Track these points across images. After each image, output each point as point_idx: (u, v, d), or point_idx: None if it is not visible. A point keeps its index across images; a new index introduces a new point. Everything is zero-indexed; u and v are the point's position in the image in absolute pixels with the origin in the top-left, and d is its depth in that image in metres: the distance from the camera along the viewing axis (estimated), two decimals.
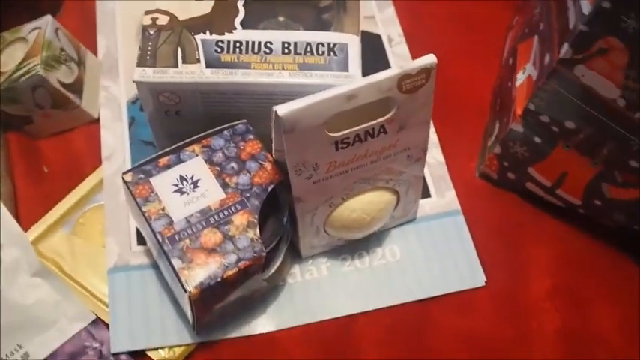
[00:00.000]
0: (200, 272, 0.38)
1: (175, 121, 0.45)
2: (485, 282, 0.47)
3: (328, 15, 0.45)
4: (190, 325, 0.44)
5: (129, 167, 0.49)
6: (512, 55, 0.51)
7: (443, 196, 0.51)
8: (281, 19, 0.44)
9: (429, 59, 0.36)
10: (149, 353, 0.44)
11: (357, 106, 0.36)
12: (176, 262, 0.38)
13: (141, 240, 0.47)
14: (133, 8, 0.58)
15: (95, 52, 0.55)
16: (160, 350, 0.44)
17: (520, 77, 0.47)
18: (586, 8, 0.36)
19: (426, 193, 0.51)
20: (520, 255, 0.48)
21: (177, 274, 0.38)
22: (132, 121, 0.52)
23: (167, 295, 0.45)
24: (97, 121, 0.52)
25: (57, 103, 0.49)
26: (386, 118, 0.37)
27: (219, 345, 0.44)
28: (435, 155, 0.53)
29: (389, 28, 0.59)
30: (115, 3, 0.58)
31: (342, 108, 0.35)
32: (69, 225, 0.47)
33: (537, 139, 0.45)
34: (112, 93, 0.54)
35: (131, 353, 0.43)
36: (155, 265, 0.46)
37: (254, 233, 0.39)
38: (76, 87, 0.50)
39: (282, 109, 0.34)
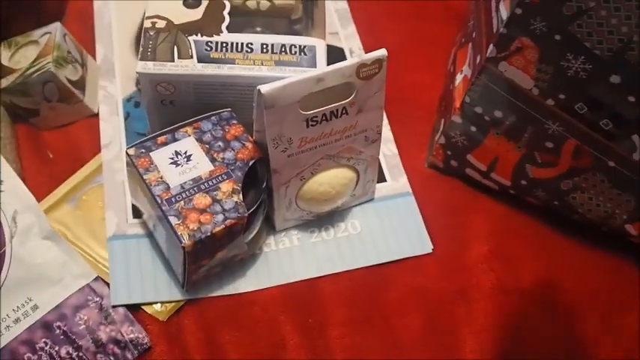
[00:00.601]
0: (193, 227, 0.45)
1: (169, 110, 0.53)
2: (432, 249, 0.55)
3: (299, 26, 0.54)
4: (180, 285, 0.51)
5: (125, 155, 0.57)
6: (453, 62, 0.61)
7: (397, 181, 0.59)
8: (258, 29, 0.53)
9: (381, 52, 0.45)
10: (144, 308, 0.50)
11: (325, 89, 0.44)
12: (173, 220, 0.45)
13: (136, 214, 0.54)
14: (126, 22, 0.66)
15: (94, 57, 0.63)
16: (153, 305, 0.50)
17: (458, 78, 0.57)
18: (504, 15, 0.46)
19: (382, 179, 0.59)
20: (461, 227, 0.57)
21: (173, 230, 0.45)
22: (127, 116, 0.60)
23: (159, 260, 0.52)
24: (97, 115, 0.59)
25: (63, 97, 0.56)
26: (347, 101, 0.46)
27: (205, 302, 0.51)
28: (390, 148, 0.62)
29: (350, 42, 0.68)
30: (111, 17, 0.66)
31: (313, 89, 0.43)
32: (73, 201, 0.54)
33: (473, 128, 0.55)
34: (109, 92, 0.61)
35: (127, 307, 0.50)
36: (149, 236, 0.53)
37: (238, 198, 0.47)
38: (80, 84, 0.58)
39: (264, 88, 0.42)
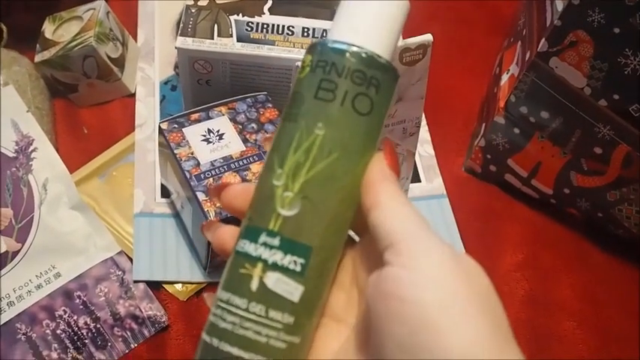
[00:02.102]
0: (220, 205, 0.44)
1: (205, 91, 0.52)
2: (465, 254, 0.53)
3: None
4: (202, 267, 0.50)
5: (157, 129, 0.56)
6: (499, 64, 0.59)
7: (431, 182, 0.57)
8: (300, 16, 0.52)
9: (426, 37, 0.43)
10: (165, 286, 0.49)
11: None
12: (200, 195, 0.44)
13: (164, 194, 0.53)
14: (169, 9, 0.66)
15: (135, 40, 0.63)
16: (174, 285, 0.49)
17: (504, 78, 0.55)
18: (560, 6, 0.44)
19: (416, 179, 0.57)
20: (496, 234, 0.55)
21: (200, 206, 0.44)
22: (162, 99, 0.59)
23: (184, 241, 0.51)
24: (133, 95, 0.59)
25: (102, 73, 0.56)
26: None
27: None
28: (426, 149, 0.60)
29: None
30: (155, 2, 0.67)
31: None
32: (103, 176, 0.54)
33: (516, 130, 0.52)
34: (147, 74, 0.61)
35: (148, 284, 0.49)
36: (175, 216, 0.52)
37: None
38: (119, 62, 0.58)
39: None
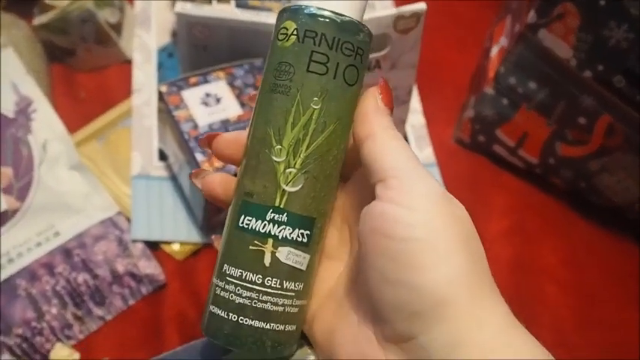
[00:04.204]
0: (218, 165, 0.45)
1: (202, 56, 0.53)
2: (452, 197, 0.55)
3: None
4: (198, 227, 0.51)
5: (155, 101, 0.57)
6: (490, 39, 0.60)
7: (422, 151, 0.59)
8: None
9: (420, 5, 0.44)
10: (163, 247, 0.51)
11: None
12: (198, 156, 0.46)
13: (161, 158, 0.54)
14: None
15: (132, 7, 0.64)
16: (172, 245, 0.51)
17: (494, 50, 0.56)
18: None
19: None
20: (483, 201, 0.57)
21: (198, 166, 0.45)
22: (160, 66, 0.60)
23: (181, 204, 0.52)
24: (129, 62, 0.60)
25: (100, 38, 0.57)
26: (381, 53, 0.46)
27: None
28: (417, 119, 0.61)
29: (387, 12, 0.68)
30: None
31: None
32: (102, 139, 0.55)
33: (505, 101, 0.54)
34: (144, 41, 0.62)
35: (146, 245, 0.50)
36: (172, 179, 0.54)
37: None
38: (117, 28, 0.59)
39: None
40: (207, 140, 0.30)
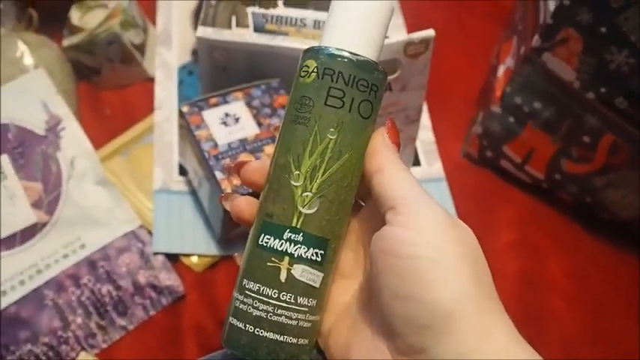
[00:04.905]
0: (236, 183, 0.48)
1: (221, 76, 0.55)
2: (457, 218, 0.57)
3: None
4: (216, 241, 0.54)
5: (176, 117, 0.60)
6: (497, 56, 0.62)
7: (431, 166, 0.61)
8: (311, 9, 0.55)
9: (429, 32, 0.47)
10: (182, 259, 0.53)
11: None
12: (218, 174, 0.48)
13: (182, 173, 0.57)
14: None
15: (154, 26, 0.66)
16: (190, 257, 0.53)
17: (501, 69, 0.58)
18: (552, 5, 0.47)
19: (416, 163, 0.61)
20: (490, 215, 0.58)
21: (218, 184, 0.48)
22: (180, 83, 0.63)
23: (200, 217, 0.55)
24: (152, 80, 0.63)
25: (124, 58, 0.60)
26: (393, 76, 0.48)
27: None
28: (427, 135, 0.63)
29: (398, 33, 0.70)
30: None
31: None
32: (125, 154, 0.58)
33: (511, 119, 0.56)
34: (166, 59, 0.64)
35: (167, 256, 0.53)
36: (192, 193, 0.56)
37: None
38: (141, 48, 0.61)
39: None
40: (236, 168, 0.33)
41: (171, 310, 0.51)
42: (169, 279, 0.52)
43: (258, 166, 0.32)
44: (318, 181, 0.29)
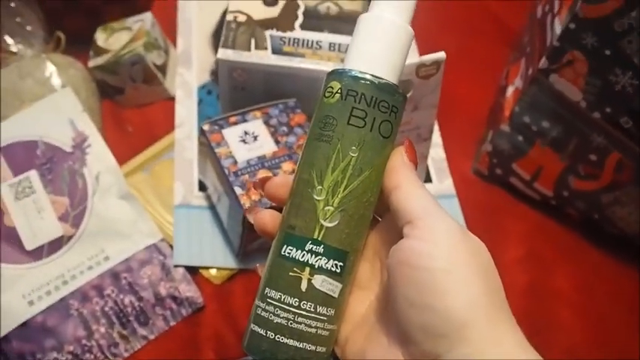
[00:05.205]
0: (255, 198, 0.50)
1: (240, 96, 0.58)
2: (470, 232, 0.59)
3: None
4: (235, 254, 0.55)
5: (196, 135, 0.62)
6: (505, 77, 0.64)
7: (442, 183, 0.63)
8: (326, 31, 0.58)
9: (440, 55, 0.49)
10: (201, 271, 0.55)
11: None
12: (237, 190, 0.50)
13: (201, 188, 0.59)
14: (206, 19, 0.72)
15: (174, 47, 0.69)
16: (210, 270, 0.55)
17: (510, 90, 0.60)
18: (558, 29, 0.49)
19: (428, 179, 0.63)
20: (500, 230, 0.60)
21: (237, 199, 0.50)
22: (200, 101, 0.66)
23: (218, 231, 0.57)
24: (173, 98, 0.65)
25: (147, 78, 0.62)
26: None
27: (256, 273, 0.55)
28: (438, 152, 0.65)
29: (410, 55, 0.72)
30: (193, 13, 0.73)
31: None
32: (147, 170, 0.60)
33: (520, 138, 0.58)
34: (186, 79, 0.67)
35: (187, 269, 0.55)
36: (211, 208, 0.58)
37: None
38: (162, 69, 0.64)
39: None
40: (261, 183, 0.35)
41: (190, 321, 0.53)
42: (189, 291, 0.53)
43: (282, 182, 0.34)
44: (339, 196, 0.31)
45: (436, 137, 0.66)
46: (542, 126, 0.55)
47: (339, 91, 0.31)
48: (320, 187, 0.31)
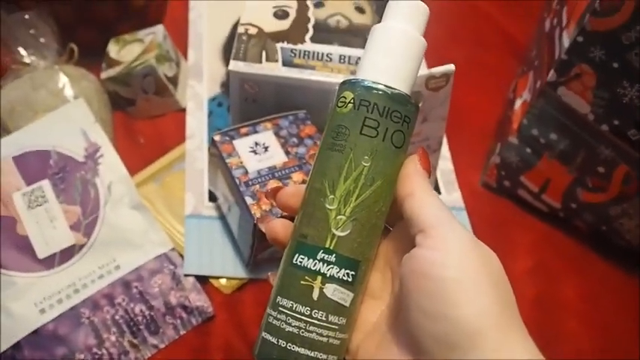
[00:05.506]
0: (265, 208, 0.50)
1: (251, 108, 0.59)
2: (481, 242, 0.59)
3: None
4: (245, 264, 0.56)
5: (206, 146, 0.63)
6: (513, 90, 0.65)
7: (450, 195, 0.63)
8: (336, 44, 0.58)
9: (449, 67, 0.49)
10: (211, 281, 0.55)
11: None
12: (248, 200, 0.51)
13: (211, 199, 0.60)
14: (216, 33, 0.73)
15: (185, 59, 0.70)
16: (220, 279, 0.55)
17: (518, 103, 0.61)
18: (567, 42, 0.50)
19: (436, 191, 0.63)
20: (508, 242, 0.60)
21: (248, 209, 0.50)
22: (210, 113, 0.66)
23: (229, 241, 0.57)
24: (184, 110, 0.66)
25: (158, 90, 0.63)
26: None
27: (265, 283, 0.56)
28: (446, 165, 0.66)
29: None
30: (203, 27, 0.74)
31: None
32: (158, 181, 0.60)
33: (528, 150, 0.58)
34: (196, 91, 0.68)
35: (197, 278, 0.55)
36: (221, 219, 0.59)
37: None
38: (174, 81, 0.65)
39: None
40: (273, 193, 0.35)
41: (200, 330, 0.53)
42: (199, 300, 0.54)
43: (293, 191, 0.34)
44: (351, 206, 0.31)
45: (444, 149, 0.66)
46: (550, 138, 0.56)
47: (352, 100, 0.31)
48: (332, 196, 0.31)
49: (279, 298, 0.32)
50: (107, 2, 0.65)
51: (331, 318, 0.31)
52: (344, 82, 0.33)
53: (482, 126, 0.69)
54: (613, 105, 0.50)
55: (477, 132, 0.69)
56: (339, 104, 0.32)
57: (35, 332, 0.50)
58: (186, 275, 0.55)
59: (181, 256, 0.56)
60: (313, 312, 0.31)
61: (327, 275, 0.31)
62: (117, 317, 0.52)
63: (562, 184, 0.58)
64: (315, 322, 0.31)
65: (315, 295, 0.31)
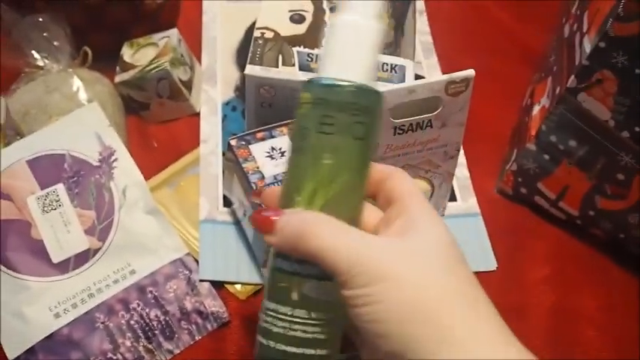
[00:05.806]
0: None
1: (267, 112, 0.58)
2: (497, 267, 0.58)
3: (389, 50, 0.59)
4: (259, 270, 0.55)
5: (220, 151, 0.63)
6: (530, 96, 0.64)
7: (466, 201, 0.63)
8: None
9: (469, 72, 0.49)
10: (227, 286, 0.55)
11: (413, 101, 0.49)
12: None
13: (226, 204, 0.59)
14: (229, 37, 0.73)
15: (199, 63, 0.70)
16: (235, 285, 0.55)
17: (535, 109, 0.60)
18: (588, 48, 0.49)
19: (452, 198, 0.63)
20: (525, 250, 0.60)
21: None
22: (224, 118, 0.66)
23: (243, 247, 0.57)
24: (198, 114, 0.66)
25: (173, 94, 0.63)
26: (434, 113, 0.50)
27: None
28: (462, 171, 0.65)
29: (432, 72, 0.73)
30: (217, 31, 0.73)
31: (404, 99, 0.48)
32: (172, 185, 0.60)
33: (546, 157, 0.58)
34: (210, 95, 0.68)
35: (212, 283, 0.54)
36: (236, 224, 0.58)
37: None
38: (188, 85, 0.64)
39: None
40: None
41: (215, 335, 0.53)
42: (215, 305, 0.53)
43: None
44: (319, 205, 0.31)
45: (460, 156, 0.66)
46: (569, 145, 0.55)
47: (309, 100, 0.32)
48: (299, 198, 0.32)
49: (266, 302, 0.33)
50: (119, 5, 0.64)
51: (314, 314, 0.32)
52: (304, 82, 0.33)
53: (497, 133, 0.69)
54: (634, 111, 0.49)
55: (491, 139, 0.68)
56: (300, 106, 0.33)
57: (50, 337, 0.50)
58: (201, 280, 0.54)
59: (196, 261, 0.55)
60: (295, 311, 0.32)
61: (304, 274, 0.32)
62: (132, 322, 0.52)
63: (580, 191, 0.57)
64: (298, 320, 0.32)
65: (294, 295, 0.32)
